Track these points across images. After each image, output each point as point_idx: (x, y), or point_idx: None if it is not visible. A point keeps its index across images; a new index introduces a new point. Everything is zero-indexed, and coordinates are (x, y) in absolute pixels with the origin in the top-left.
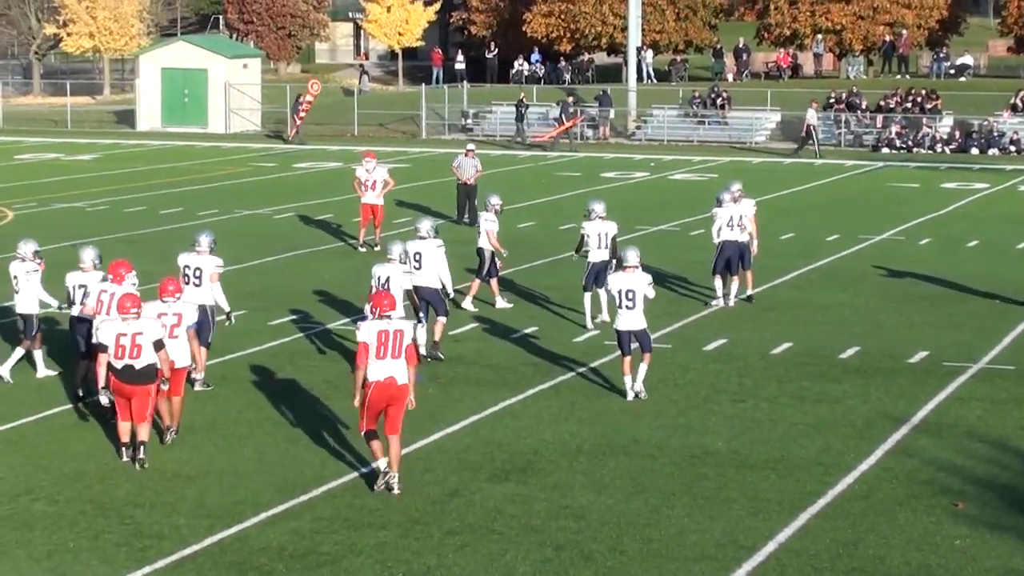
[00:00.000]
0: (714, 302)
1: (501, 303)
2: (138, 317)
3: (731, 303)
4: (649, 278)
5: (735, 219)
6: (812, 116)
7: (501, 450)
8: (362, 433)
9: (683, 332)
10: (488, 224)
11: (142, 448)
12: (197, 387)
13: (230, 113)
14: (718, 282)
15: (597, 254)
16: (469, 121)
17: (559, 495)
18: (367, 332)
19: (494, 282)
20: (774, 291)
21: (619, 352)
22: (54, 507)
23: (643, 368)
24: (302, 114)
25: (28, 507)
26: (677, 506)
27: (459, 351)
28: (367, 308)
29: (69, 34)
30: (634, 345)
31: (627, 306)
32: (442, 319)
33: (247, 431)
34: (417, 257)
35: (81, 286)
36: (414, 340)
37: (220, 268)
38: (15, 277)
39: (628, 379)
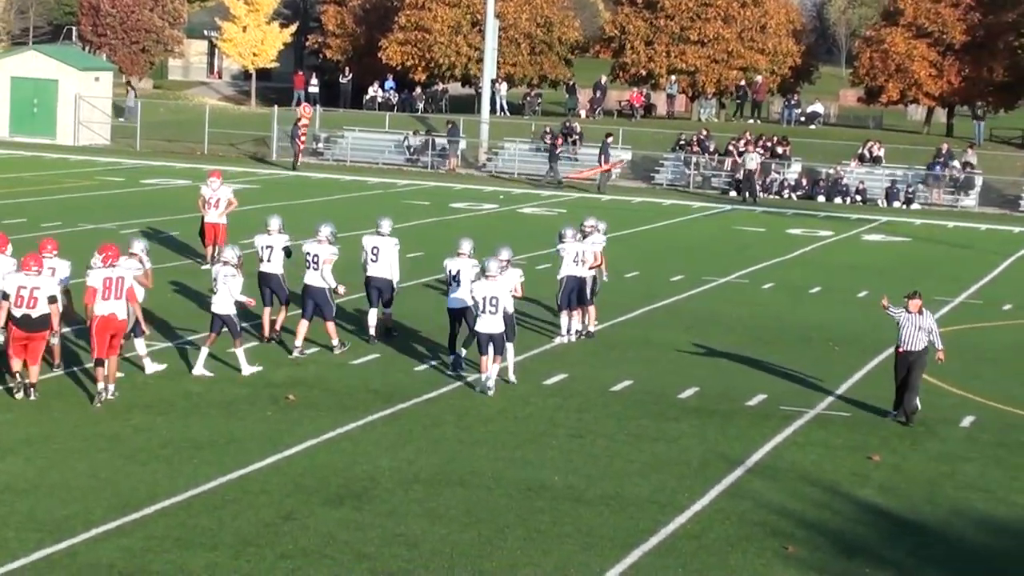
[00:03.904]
0: (558, 338)
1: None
2: (39, 274)
3: (573, 338)
4: (513, 281)
5: (580, 255)
6: (753, 160)
7: (337, 475)
8: (93, 359)
9: (524, 365)
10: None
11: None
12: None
13: (79, 125)
14: (564, 317)
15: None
16: (320, 145)
17: (393, 523)
18: (95, 278)
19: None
20: (616, 329)
21: (480, 358)
22: None
23: (496, 367)
24: (302, 139)
25: None
26: (511, 538)
27: (300, 374)
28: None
29: None
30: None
31: (490, 311)
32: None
33: (81, 446)
34: (375, 251)
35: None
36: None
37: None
38: (214, 279)
39: (484, 376)
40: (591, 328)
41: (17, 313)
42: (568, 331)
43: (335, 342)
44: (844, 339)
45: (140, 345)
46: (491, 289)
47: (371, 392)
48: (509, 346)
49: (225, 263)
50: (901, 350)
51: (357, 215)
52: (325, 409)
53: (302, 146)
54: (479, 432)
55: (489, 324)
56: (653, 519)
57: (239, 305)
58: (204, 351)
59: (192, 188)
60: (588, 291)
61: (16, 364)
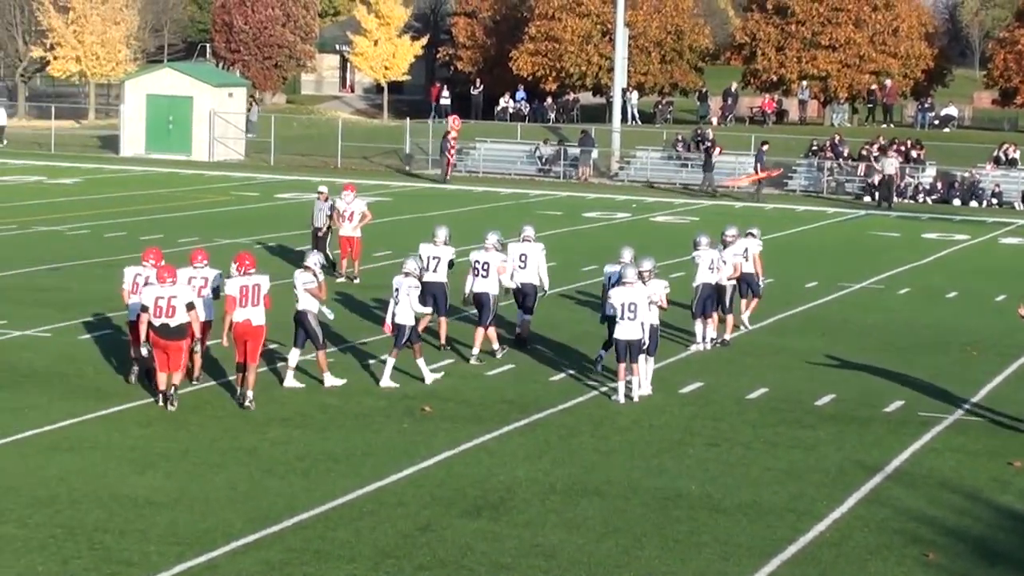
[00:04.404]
0: (693, 346)
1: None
2: (174, 284)
3: (708, 346)
4: (657, 292)
5: (715, 262)
6: (892, 165)
7: (474, 486)
8: (236, 364)
9: (660, 374)
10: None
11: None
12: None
13: (214, 141)
14: (699, 325)
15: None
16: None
17: (530, 533)
18: (232, 287)
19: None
20: (752, 336)
21: (617, 364)
22: (23, 530)
23: (636, 377)
24: (452, 152)
25: None
26: (648, 548)
27: (434, 386)
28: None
29: (56, 58)
30: None
31: (628, 317)
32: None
33: (220, 459)
34: (523, 258)
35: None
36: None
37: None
38: (396, 290)
39: (622, 384)
40: (727, 336)
41: (156, 322)
42: (703, 339)
43: (477, 350)
44: (982, 344)
45: (294, 357)
46: (630, 295)
47: (506, 403)
48: (650, 359)
49: (407, 274)
50: None
51: (492, 226)
52: (461, 420)
53: (452, 159)
54: (615, 441)
55: (627, 331)
56: (792, 527)
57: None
58: (421, 363)
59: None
60: (727, 300)
61: (162, 380)
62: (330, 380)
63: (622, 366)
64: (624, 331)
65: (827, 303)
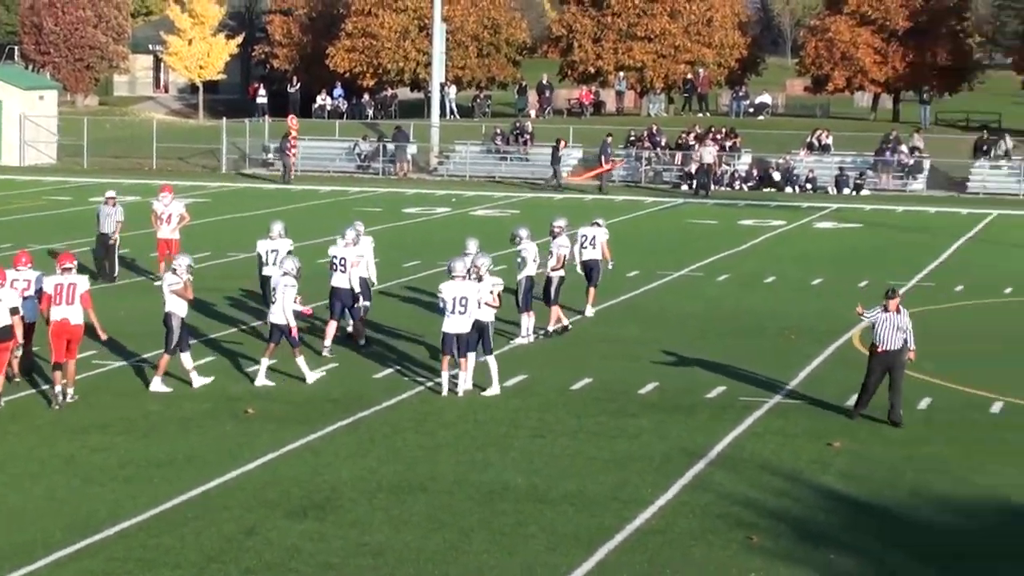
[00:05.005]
0: (518, 338)
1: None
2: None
3: (532, 339)
4: (488, 289)
5: (538, 254)
6: (710, 154)
7: (299, 487)
8: (52, 363)
9: (484, 368)
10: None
11: None
12: None
13: (25, 145)
14: (524, 318)
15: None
16: (270, 155)
17: (357, 532)
18: (48, 285)
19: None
20: (574, 327)
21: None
22: None
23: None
24: (293, 152)
25: None
26: (476, 542)
27: (258, 388)
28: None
29: None
30: None
31: (459, 311)
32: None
33: (38, 468)
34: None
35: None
36: None
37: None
38: (273, 289)
39: (446, 377)
40: (550, 328)
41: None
42: (528, 332)
43: (361, 341)
44: (800, 328)
45: (187, 359)
46: (461, 289)
47: (331, 402)
48: (489, 358)
49: (285, 273)
50: (880, 350)
51: (312, 225)
52: (285, 421)
53: (294, 159)
54: (440, 437)
55: (456, 324)
56: (617, 516)
57: (296, 314)
58: (265, 362)
59: (142, 204)
60: (553, 291)
61: None
62: (157, 385)
63: (446, 359)
64: (452, 325)
65: (647, 292)
